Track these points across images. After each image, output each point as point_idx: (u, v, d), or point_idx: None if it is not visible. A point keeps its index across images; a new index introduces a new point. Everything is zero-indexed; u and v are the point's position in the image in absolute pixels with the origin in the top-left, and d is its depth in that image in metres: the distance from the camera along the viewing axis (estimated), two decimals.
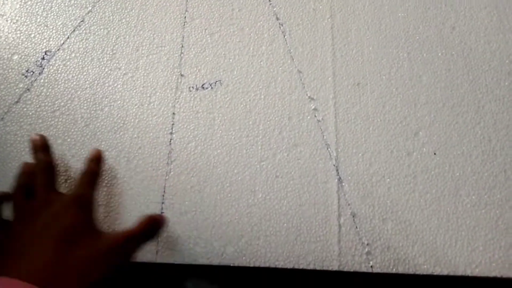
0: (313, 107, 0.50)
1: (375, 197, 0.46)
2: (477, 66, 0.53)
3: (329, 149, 0.48)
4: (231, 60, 0.53)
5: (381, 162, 0.47)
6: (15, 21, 0.54)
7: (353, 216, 0.45)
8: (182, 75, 0.51)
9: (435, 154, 0.48)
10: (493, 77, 0.53)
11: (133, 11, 0.55)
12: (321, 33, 0.55)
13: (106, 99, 0.49)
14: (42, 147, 0.41)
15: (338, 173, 0.47)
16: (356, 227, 0.44)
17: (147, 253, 0.43)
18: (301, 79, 0.52)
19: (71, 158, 0.46)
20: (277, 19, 0.55)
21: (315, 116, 0.50)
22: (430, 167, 0.47)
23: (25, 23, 0.54)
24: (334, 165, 0.47)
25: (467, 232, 0.44)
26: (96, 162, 0.42)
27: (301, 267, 0.42)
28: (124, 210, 0.44)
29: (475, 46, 0.55)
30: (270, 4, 0.56)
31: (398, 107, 0.51)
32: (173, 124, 0.49)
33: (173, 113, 0.49)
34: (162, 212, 0.44)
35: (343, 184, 0.46)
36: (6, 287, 0.27)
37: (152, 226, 0.38)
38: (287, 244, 0.43)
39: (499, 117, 0.50)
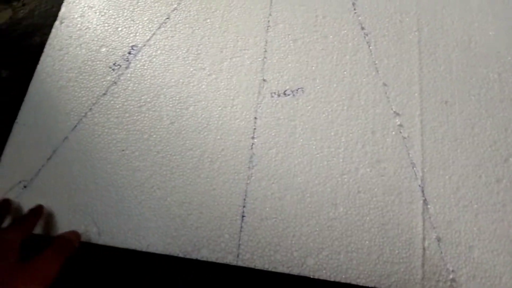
0: (398, 122, 0.49)
1: (462, 223, 0.44)
2: None
3: (414, 168, 0.46)
4: (313, 67, 0.52)
5: (469, 186, 0.46)
6: (103, 13, 0.54)
7: (438, 240, 0.43)
8: (264, 80, 0.51)
9: None
10: None
11: (218, 11, 0.55)
12: (407, 46, 0.53)
13: (191, 99, 0.49)
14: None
15: (424, 194, 0.45)
16: (441, 252, 0.43)
17: (228, 255, 0.42)
18: (386, 93, 0.50)
19: (156, 155, 0.46)
20: (362, 28, 0.54)
21: (400, 132, 0.48)
22: None
23: (113, 17, 0.54)
24: (419, 185, 0.46)
25: None
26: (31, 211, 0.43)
27: (382, 287, 0.41)
28: (206, 209, 0.44)
29: None
30: (355, 13, 0.55)
31: (487, 130, 0.49)
32: (254, 129, 0.48)
33: (255, 118, 0.49)
34: (243, 217, 0.44)
35: (429, 206, 0.45)
36: None
37: (60, 243, 0.40)
38: (368, 262, 0.42)
39: None
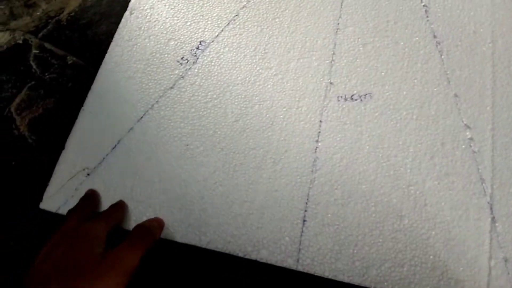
0: (469, 136, 0.47)
1: None
2: None
3: (483, 184, 0.45)
4: (383, 73, 0.51)
5: None
6: (172, 7, 0.55)
7: (505, 261, 0.42)
8: (331, 83, 0.50)
9: None
10: None
11: (287, 11, 0.54)
12: (480, 57, 0.51)
13: (256, 98, 0.49)
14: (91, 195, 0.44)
15: (492, 211, 0.44)
16: (508, 273, 0.41)
17: (288, 258, 0.42)
18: (457, 104, 0.49)
19: (220, 151, 0.47)
20: (434, 37, 0.53)
21: (470, 146, 0.47)
22: None
23: (182, 10, 0.55)
24: (488, 202, 0.44)
25: None
26: (116, 208, 0.44)
27: None
28: (268, 210, 0.44)
29: None
30: (428, 20, 0.53)
31: None
32: (319, 132, 0.48)
33: (320, 121, 0.48)
34: (304, 221, 0.43)
35: (497, 224, 0.43)
36: None
37: (140, 232, 0.40)
38: (432, 278, 0.41)
39: None
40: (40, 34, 0.57)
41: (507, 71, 0.51)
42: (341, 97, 0.50)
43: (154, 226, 0.42)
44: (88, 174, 0.46)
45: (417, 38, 0.53)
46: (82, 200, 0.43)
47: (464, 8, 0.54)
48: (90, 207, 0.43)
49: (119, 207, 0.43)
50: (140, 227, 0.40)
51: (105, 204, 0.45)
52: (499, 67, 0.51)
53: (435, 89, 0.50)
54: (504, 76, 0.50)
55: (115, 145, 0.47)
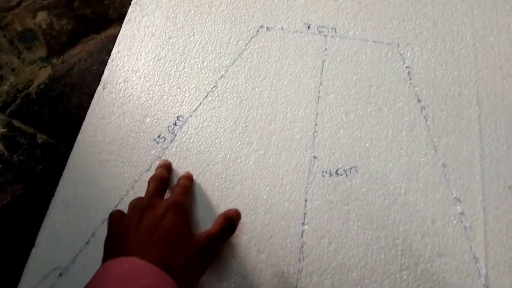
0: (459, 210, 0.45)
1: None
2: None
3: (477, 264, 0.43)
4: (367, 144, 0.49)
5: None
6: (148, 79, 0.53)
7: None
8: (315, 157, 0.48)
9: None
10: None
11: (267, 79, 0.53)
12: (467, 122, 0.50)
13: (238, 177, 0.47)
14: (165, 166, 0.46)
15: None
16: None
17: None
18: (445, 175, 0.47)
19: None
20: (419, 101, 0.51)
21: (461, 221, 0.45)
22: None
23: (158, 83, 0.52)
24: (483, 284, 0.42)
25: None
26: (186, 178, 0.46)
27: None
28: None
29: None
30: (411, 83, 0.52)
31: None
32: (305, 213, 0.46)
33: (305, 200, 0.46)
34: None
35: None
36: (135, 263, 0.33)
37: (229, 224, 0.41)
38: None
39: None
40: (8, 110, 0.54)
41: (494, 135, 0.49)
42: (326, 172, 0.48)
43: (236, 220, 0.43)
44: (60, 274, 0.44)
45: (401, 103, 0.51)
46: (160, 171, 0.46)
47: (448, 68, 0.53)
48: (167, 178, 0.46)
49: (187, 178, 0.46)
50: (229, 220, 0.41)
51: None
52: (486, 131, 0.49)
53: (422, 159, 0.48)
54: (491, 141, 0.49)
55: (89, 239, 0.45)
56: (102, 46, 0.58)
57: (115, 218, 0.41)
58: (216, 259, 0.41)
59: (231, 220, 0.41)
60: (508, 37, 0.55)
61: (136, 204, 0.40)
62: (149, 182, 0.44)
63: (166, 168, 0.46)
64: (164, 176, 0.44)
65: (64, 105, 0.54)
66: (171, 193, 0.43)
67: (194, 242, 0.38)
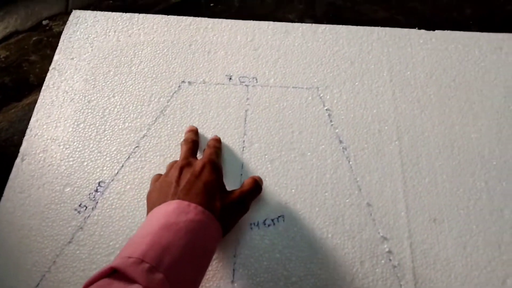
0: (387, 249, 0.46)
1: None
2: None
3: None
4: (293, 190, 0.49)
5: None
6: (67, 146, 0.52)
7: None
8: None
9: None
10: None
11: None
12: (388, 158, 0.51)
13: None
14: (193, 131, 0.51)
15: None
16: None
17: None
18: (371, 214, 0.48)
19: None
20: (340, 142, 0.52)
21: (390, 260, 0.45)
22: None
23: (78, 149, 0.51)
24: None
25: None
26: (215, 140, 0.51)
27: None
28: None
29: None
30: (332, 125, 0.53)
31: (480, 248, 0.46)
32: (234, 270, 0.45)
33: (234, 256, 0.46)
34: None
35: None
36: (179, 204, 0.38)
37: (257, 185, 0.47)
38: None
39: None
40: None
41: (416, 169, 0.50)
42: (254, 224, 0.47)
43: (261, 183, 0.49)
44: None
45: (323, 146, 0.52)
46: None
47: (367, 106, 0.54)
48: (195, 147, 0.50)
49: (217, 141, 0.51)
50: (257, 182, 0.47)
51: None
52: (408, 165, 0.50)
53: (347, 200, 0.48)
54: (414, 175, 0.50)
55: None
56: (23, 114, 0.57)
57: (154, 180, 0.45)
58: (245, 212, 0.45)
59: (258, 182, 0.47)
60: (423, 70, 0.57)
61: (173, 164, 0.45)
62: (181, 145, 0.49)
63: (194, 132, 0.51)
64: (194, 139, 0.49)
65: None
66: (204, 154, 0.47)
67: (228, 195, 0.42)
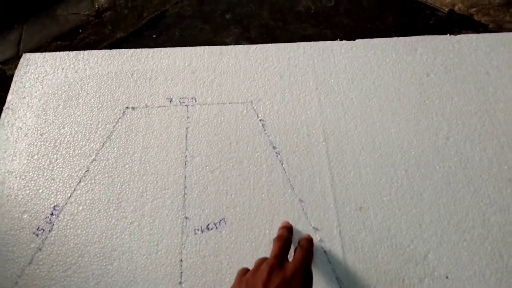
0: (318, 238, 0.51)
1: None
2: (477, 176, 0.54)
3: (340, 284, 0.48)
4: (233, 195, 0.54)
5: None
6: (23, 177, 0.56)
7: None
8: (186, 218, 0.53)
9: (447, 277, 0.48)
10: (494, 186, 0.53)
11: (136, 155, 0.57)
12: (317, 158, 0.56)
13: (115, 252, 0.50)
14: (287, 227, 0.50)
15: None
16: None
17: None
18: (303, 209, 0.53)
19: None
20: (274, 148, 0.57)
21: (322, 247, 0.50)
22: None
23: (33, 179, 0.56)
24: None
25: None
26: (308, 241, 0.48)
27: None
28: None
29: (472, 155, 0.56)
30: (266, 133, 0.58)
31: (403, 229, 0.51)
32: (181, 272, 0.49)
33: (181, 260, 0.50)
34: None
35: None
36: None
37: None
38: None
39: (507, 229, 0.50)
40: None
41: (342, 165, 0.56)
42: (198, 229, 0.52)
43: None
44: None
45: (258, 153, 0.57)
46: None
47: (296, 114, 0.60)
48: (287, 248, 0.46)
49: (309, 240, 0.48)
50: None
51: None
52: (335, 162, 0.56)
53: (282, 199, 0.53)
54: (340, 171, 0.55)
55: None
56: None
57: (240, 275, 0.43)
58: None
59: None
60: (345, 76, 0.64)
61: (263, 261, 0.43)
62: (274, 241, 0.46)
63: (288, 229, 0.49)
64: (288, 236, 0.47)
65: None
66: (295, 256, 0.44)
67: None
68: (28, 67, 0.66)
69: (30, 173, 0.56)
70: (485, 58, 0.65)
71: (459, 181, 0.54)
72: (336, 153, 0.57)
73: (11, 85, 0.64)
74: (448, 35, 0.67)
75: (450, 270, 0.48)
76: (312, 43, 0.67)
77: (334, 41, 0.67)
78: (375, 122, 0.59)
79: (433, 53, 0.65)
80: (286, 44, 0.67)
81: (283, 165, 0.56)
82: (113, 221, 0.52)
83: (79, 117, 0.60)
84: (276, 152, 0.57)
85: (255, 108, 0.61)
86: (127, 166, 0.56)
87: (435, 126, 0.58)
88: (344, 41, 0.67)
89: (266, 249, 0.50)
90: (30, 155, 0.58)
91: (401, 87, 0.62)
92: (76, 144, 0.58)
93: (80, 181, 0.55)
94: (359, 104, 0.61)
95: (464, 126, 0.58)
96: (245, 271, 0.43)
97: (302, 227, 0.51)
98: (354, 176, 0.55)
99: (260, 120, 0.60)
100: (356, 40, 0.67)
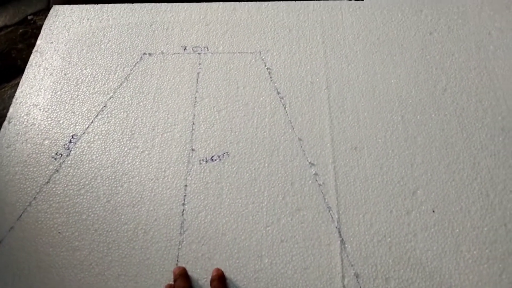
0: (313, 172, 0.54)
1: (377, 257, 0.48)
2: (471, 124, 0.57)
3: (331, 212, 0.51)
4: (237, 133, 0.58)
5: (381, 222, 0.50)
6: (46, 109, 0.61)
7: (357, 277, 0.47)
8: (193, 150, 0.57)
9: (433, 211, 0.50)
10: (487, 133, 0.56)
11: (149, 94, 0.62)
12: (318, 102, 0.60)
13: (125, 176, 0.55)
14: (181, 274, 0.48)
15: (341, 235, 0.50)
16: (360, 287, 0.46)
17: None
18: (301, 146, 0.56)
19: (94, 233, 0.51)
20: (278, 93, 0.61)
21: (316, 180, 0.53)
22: (430, 224, 0.49)
23: (55, 111, 0.61)
24: (336, 227, 0.50)
25: None
26: (219, 281, 0.47)
27: None
28: (141, 279, 0.48)
29: (467, 106, 0.58)
30: (271, 80, 0.62)
31: (395, 168, 0.54)
32: (185, 195, 0.53)
33: (185, 185, 0.54)
34: (175, 280, 0.48)
35: (346, 245, 0.49)
36: None
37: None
38: None
39: (496, 172, 0.53)
40: None
41: (341, 109, 0.59)
42: (203, 160, 0.56)
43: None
44: None
45: (263, 97, 0.61)
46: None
47: (301, 64, 0.64)
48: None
49: (220, 281, 0.47)
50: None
51: None
52: (335, 107, 0.59)
53: (282, 137, 0.57)
54: (339, 115, 0.59)
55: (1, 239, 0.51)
56: (12, 92, 0.67)
57: None
58: None
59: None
60: (352, 32, 0.67)
61: None
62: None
63: (184, 279, 0.48)
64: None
65: None
66: None
67: None
68: (57, 17, 0.71)
69: (53, 107, 0.61)
70: (488, 20, 0.67)
71: (453, 127, 0.56)
72: (337, 99, 0.60)
73: (41, 32, 0.70)
74: None
75: (437, 205, 0.51)
76: (321, 1, 0.70)
77: (343, 1, 0.70)
78: (377, 73, 0.62)
79: (437, 14, 0.68)
80: (297, 2, 0.71)
81: (286, 108, 0.59)
82: (126, 149, 0.57)
83: (100, 60, 0.65)
84: (280, 97, 0.61)
85: (263, 57, 0.65)
86: (141, 104, 0.61)
87: (434, 78, 0.61)
88: (352, 1, 0.70)
89: (264, 179, 0.54)
90: (54, 91, 0.63)
91: (404, 43, 0.65)
92: (96, 83, 0.63)
93: (97, 114, 0.60)
94: (363, 57, 0.64)
95: (462, 79, 0.61)
96: None
97: (299, 162, 0.55)
98: (352, 119, 0.58)
99: (267, 68, 0.63)
100: (365, 0, 0.70)
